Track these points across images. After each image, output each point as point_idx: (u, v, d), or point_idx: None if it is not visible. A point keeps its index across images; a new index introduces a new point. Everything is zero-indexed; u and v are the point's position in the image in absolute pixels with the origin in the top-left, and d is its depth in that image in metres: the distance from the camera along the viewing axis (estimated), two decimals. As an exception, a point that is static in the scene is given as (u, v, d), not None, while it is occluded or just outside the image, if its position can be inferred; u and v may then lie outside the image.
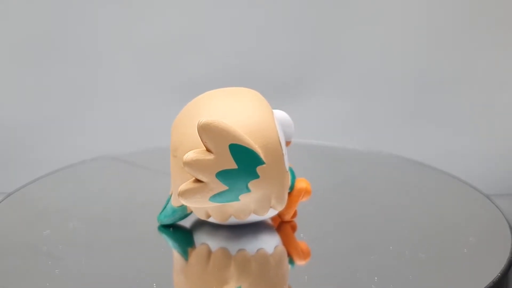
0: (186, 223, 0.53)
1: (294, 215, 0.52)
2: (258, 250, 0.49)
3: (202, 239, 0.50)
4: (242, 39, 0.90)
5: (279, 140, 0.47)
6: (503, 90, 0.90)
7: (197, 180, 0.45)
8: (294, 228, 0.52)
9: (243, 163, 0.45)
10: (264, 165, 0.46)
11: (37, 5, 0.87)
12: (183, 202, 0.46)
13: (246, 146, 0.45)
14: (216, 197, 0.46)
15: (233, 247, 0.49)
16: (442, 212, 0.56)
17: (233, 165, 0.45)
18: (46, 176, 0.64)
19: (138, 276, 0.46)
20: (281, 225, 0.52)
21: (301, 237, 0.51)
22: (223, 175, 0.45)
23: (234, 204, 0.47)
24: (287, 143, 0.50)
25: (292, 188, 0.51)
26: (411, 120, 0.92)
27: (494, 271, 0.45)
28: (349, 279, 0.45)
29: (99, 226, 0.53)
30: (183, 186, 0.45)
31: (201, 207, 0.48)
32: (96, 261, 0.47)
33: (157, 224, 0.53)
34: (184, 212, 0.51)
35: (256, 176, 0.46)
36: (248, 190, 0.46)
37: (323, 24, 0.90)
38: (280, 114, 0.50)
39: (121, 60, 0.90)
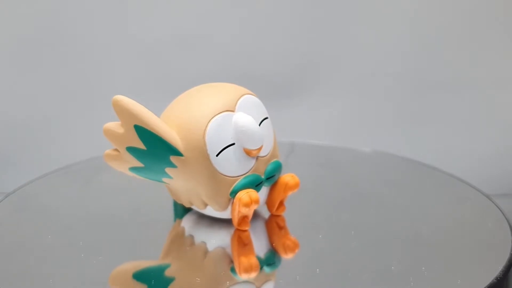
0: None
1: (242, 224, 0.51)
2: (201, 242, 0.50)
3: (188, 222, 0.53)
4: (241, 39, 0.90)
5: (205, 139, 0.47)
6: (503, 90, 0.90)
7: (117, 149, 0.49)
8: (271, 230, 0.52)
9: (152, 147, 0.47)
10: (182, 157, 0.47)
11: (37, 5, 0.87)
12: (108, 164, 0.50)
13: (152, 131, 0.47)
14: (135, 170, 0.49)
15: (189, 231, 0.51)
16: (442, 212, 0.56)
17: (141, 145, 0.47)
18: (46, 176, 0.64)
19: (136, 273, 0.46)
20: (255, 231, 0.52)
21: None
22: (133, 151, 0.48)
23: (172, 188, 0.51)
24: (247, 150, 0.49)
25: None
26: (411, 120, 0.92)
27: (494, 271, 0.45)
28: (345, 278, 0.45)
29: (99, 225, 0.53)
30: (106, 151, 0.50)
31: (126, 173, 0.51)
32: (95, 261, 0.47)
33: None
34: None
35: (172, 164, 0.48)
36: (168, 176, 0.48)
37: (323, 25, 0.90)
38: (237, 119, 0.49)
39: (121, 60, 0.90)
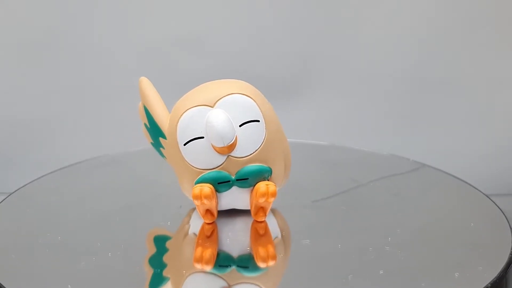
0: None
1: (205, 216, 0.51)
2: (180, 226, 0.54)
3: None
4: (242, 39, 0.90)
5: (177, 127, 0.50)
6: (503, 90, 0.90)
7: None
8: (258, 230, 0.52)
9: (152, 126, 0.52)
10: (166, 140, 0.51)
11: (40, 4, 0.87)
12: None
13: (150, 112, 0.52)
14: (152, 144, 0.54)
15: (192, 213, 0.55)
16: (442, 212, 0.56)
17: (147, 123, 0.53)
18: (46, 176, 0.64)
19: (135, 274, 0.46)
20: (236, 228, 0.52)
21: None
22: (146, 127, 0.53)
23: None
24: (214, 147, 0.49)
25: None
26: (411, 120, 0.92)
27: (494, 271, 0.45)
28: (343, 279, 0.45)
29: (99, 225, 0.53)
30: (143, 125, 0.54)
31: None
32: (95, 260, 0.47)
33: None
34: None
35: (161, 145, 0.52)
36: (163, 155, 0.53)
37: (323, 25, 0.90)
38: (209, 114, 0.49)
39: (121, 60, 0.90)
